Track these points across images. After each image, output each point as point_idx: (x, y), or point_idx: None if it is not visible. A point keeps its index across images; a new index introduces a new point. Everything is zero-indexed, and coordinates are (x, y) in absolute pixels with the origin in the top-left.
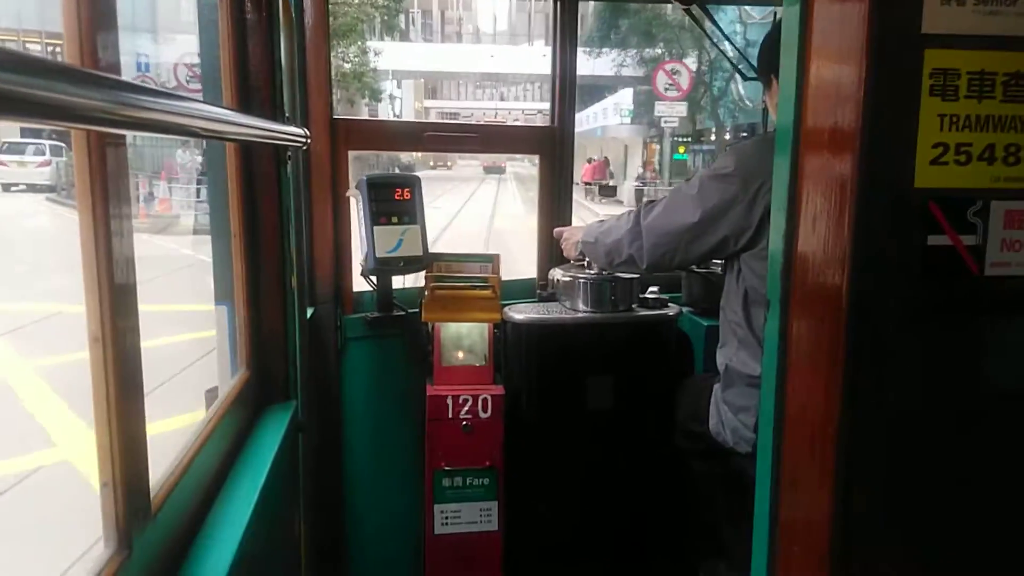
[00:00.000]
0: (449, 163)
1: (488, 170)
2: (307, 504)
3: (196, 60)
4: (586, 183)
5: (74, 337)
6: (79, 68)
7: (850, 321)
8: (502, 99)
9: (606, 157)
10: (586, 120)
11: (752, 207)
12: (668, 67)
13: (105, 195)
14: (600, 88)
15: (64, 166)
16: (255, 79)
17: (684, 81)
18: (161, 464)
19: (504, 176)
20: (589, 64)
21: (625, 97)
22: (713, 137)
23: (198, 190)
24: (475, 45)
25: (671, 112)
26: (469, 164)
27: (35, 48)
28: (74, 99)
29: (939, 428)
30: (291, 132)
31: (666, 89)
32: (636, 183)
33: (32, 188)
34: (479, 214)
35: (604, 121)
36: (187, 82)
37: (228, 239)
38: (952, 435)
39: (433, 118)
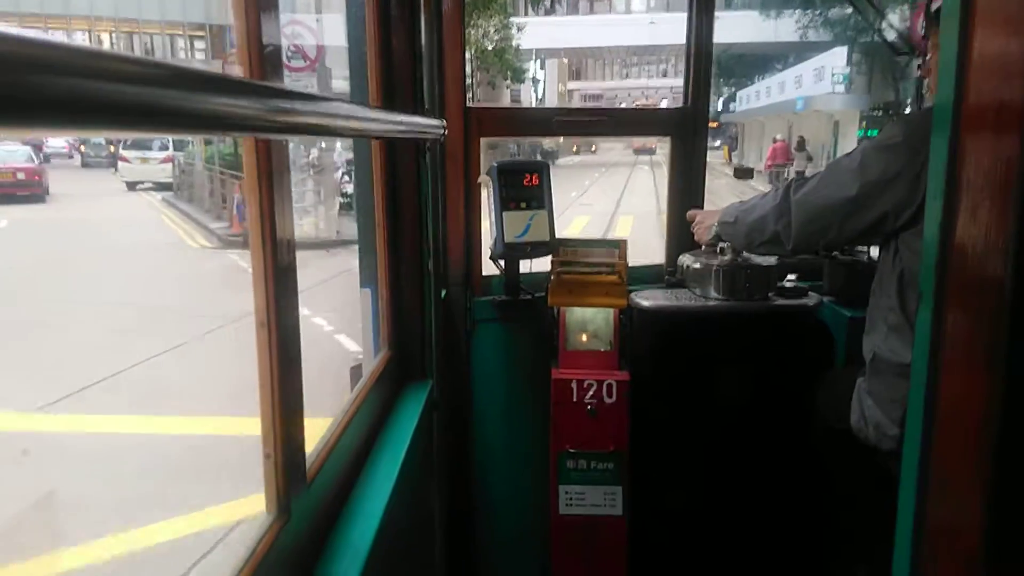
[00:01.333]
0: (594, 147)
1: (639, 152)
2: (441, 479)
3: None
4: (768, 168)
5: None
6: (236, 78)
7: (1013, 317)
8: (650, 77)
9: (800, 137)
10: (775, 91)
11: (918, 181)
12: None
13: (270, 187)
14: (774, 59)
15: (183, 162)
16: (398, 74)
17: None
18: (314, 437)
19: (656, 157)
20: (769, 27)
21: (836, 59)
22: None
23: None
24: (626, 16)
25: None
26: (613, 147)
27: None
28: (231, 109)
29: None
30: (430, 124)
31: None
32: None
33: (158, 186)
34: (643, 211)
35: (805, 90)
36: (289, 59)
37: (373, 228)
38: None
39: (576, 101)
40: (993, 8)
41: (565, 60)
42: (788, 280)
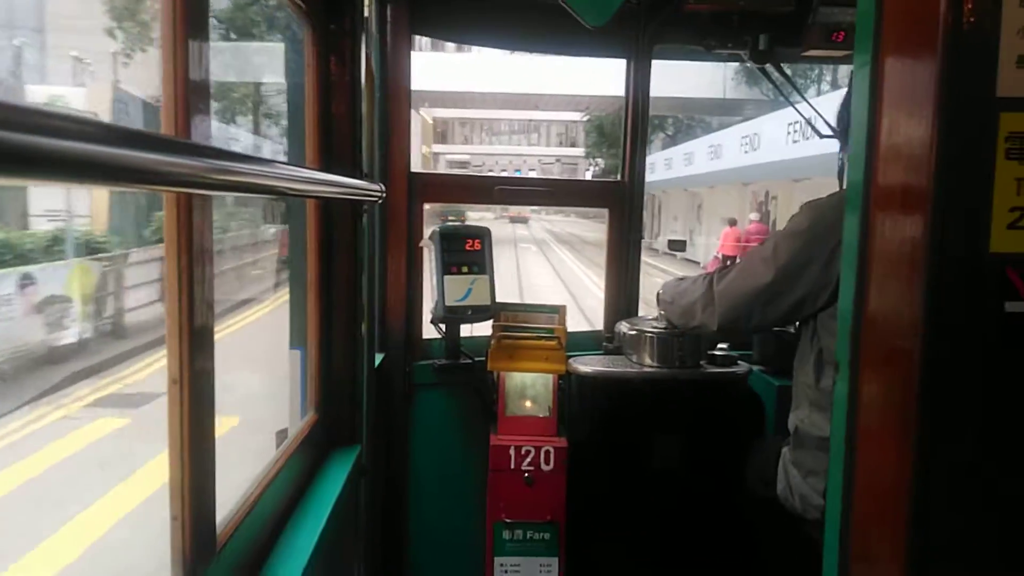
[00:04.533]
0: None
1: (514, 220)
2: (368, 549)
3: None
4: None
5: None
6: (177, 139)
7: (923, 388)
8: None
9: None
10: (698, 158)
11: (829, 264)
12: None
13: (190, 246)
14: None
15: None
16: (337, 137)
17: None
18: (229, 501)
19: (538, 233)
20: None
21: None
22: None
23: None
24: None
25: None
26: (483, 216)
27: None
28: (172, 168)
29: (1020, 504)
30: (368, 188)
31: None
32: None
33: None
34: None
35: (729, 159)
36: None
37: (304, 288)
38: None
39: (443, 166)
40: (898, 101)
41: (430, 120)
42: (719, 348)
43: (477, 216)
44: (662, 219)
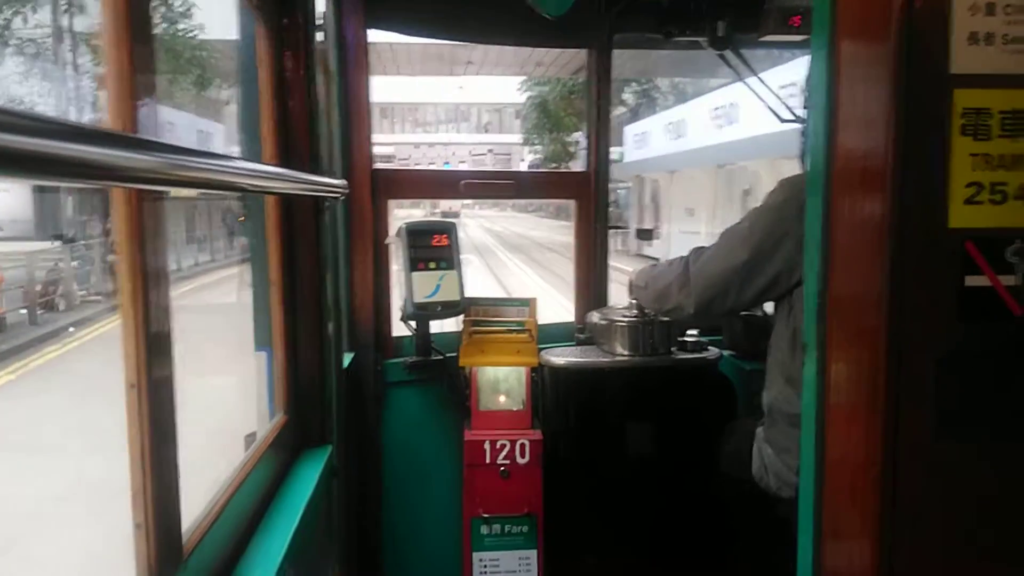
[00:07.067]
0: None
1: (445, 215)
2: (343, 551)
3: None
4: None
5: None
6: (132, 135)
7: (889, 364)
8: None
9: None
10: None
11: (803, 242)
12: None
13: (143, 247)
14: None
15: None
16: (294, 133)
17: None
18: (196, 506)
19: (475, 236)
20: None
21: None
22: None
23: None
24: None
25: None
26: (411, 213)
27: None
28: (129, 162)
29: (983, 475)
30: (329, 183)
31: None
32: None
33: None
34: None
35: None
36: None
37: (267, 287)
38: (996, 481)
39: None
40: (855, 82)
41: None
42: (689, 335)
43: (404, 213)
44: (661, 212)
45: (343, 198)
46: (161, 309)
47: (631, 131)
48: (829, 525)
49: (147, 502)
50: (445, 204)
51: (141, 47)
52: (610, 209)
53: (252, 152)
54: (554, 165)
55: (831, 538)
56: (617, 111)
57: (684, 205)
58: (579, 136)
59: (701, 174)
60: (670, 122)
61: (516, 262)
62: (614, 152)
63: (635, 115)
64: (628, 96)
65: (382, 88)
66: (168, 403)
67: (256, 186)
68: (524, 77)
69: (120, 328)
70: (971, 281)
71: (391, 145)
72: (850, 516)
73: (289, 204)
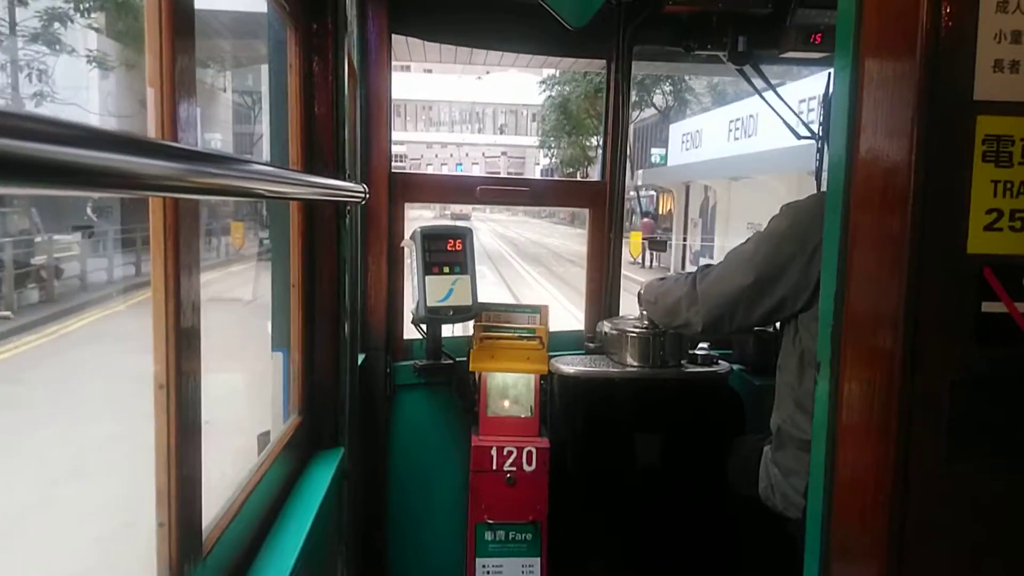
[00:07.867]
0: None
1: (457, 218)
2: (351, 552)
3: None
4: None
5: None
6: (153, 140)
7: (903, 387)
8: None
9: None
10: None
11: (809, 266)
12: None
13: (176, 248)
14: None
15: None
16: (320, 138)
17: None
18: (215, 505)
19: (486, 240)
20: None
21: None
22: None
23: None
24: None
25: None
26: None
27: None
28: (145, 171)
29: (995, 500)
30: (351, 188)
31: None
32: None
33: None
34: None
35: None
36: None
37: (288, 289)
38: (1008, 507)
39: None
40: (878, 104)
41: None
42: (700, 348)
43: (415, 214)
44: (716, 226)
45: (363, 202)
46: (191, 308)
47: (678, 129)
48: (837, 544)
49: (171, 501)
50: (456, 207)
51: (182, 48)
52: (644, 220)
53: (278, 156)
54: (571, 170)
55: (839, 558)
56: (646, 113)
57: (748, 219)
58: (599, 139)
59: (775, 181)
60: (735, 118)
61: (535, 275)
62: (655, 154)
63: (665, 118)
64: (658, 99)
65: (397, 84)
66: (195, 402)
67: (282, 193)
68: (548, 72)
69: (151, 330)
70: (988, 307)
71: (403, 144)
72: (859, 536)
73: (312, 208)
